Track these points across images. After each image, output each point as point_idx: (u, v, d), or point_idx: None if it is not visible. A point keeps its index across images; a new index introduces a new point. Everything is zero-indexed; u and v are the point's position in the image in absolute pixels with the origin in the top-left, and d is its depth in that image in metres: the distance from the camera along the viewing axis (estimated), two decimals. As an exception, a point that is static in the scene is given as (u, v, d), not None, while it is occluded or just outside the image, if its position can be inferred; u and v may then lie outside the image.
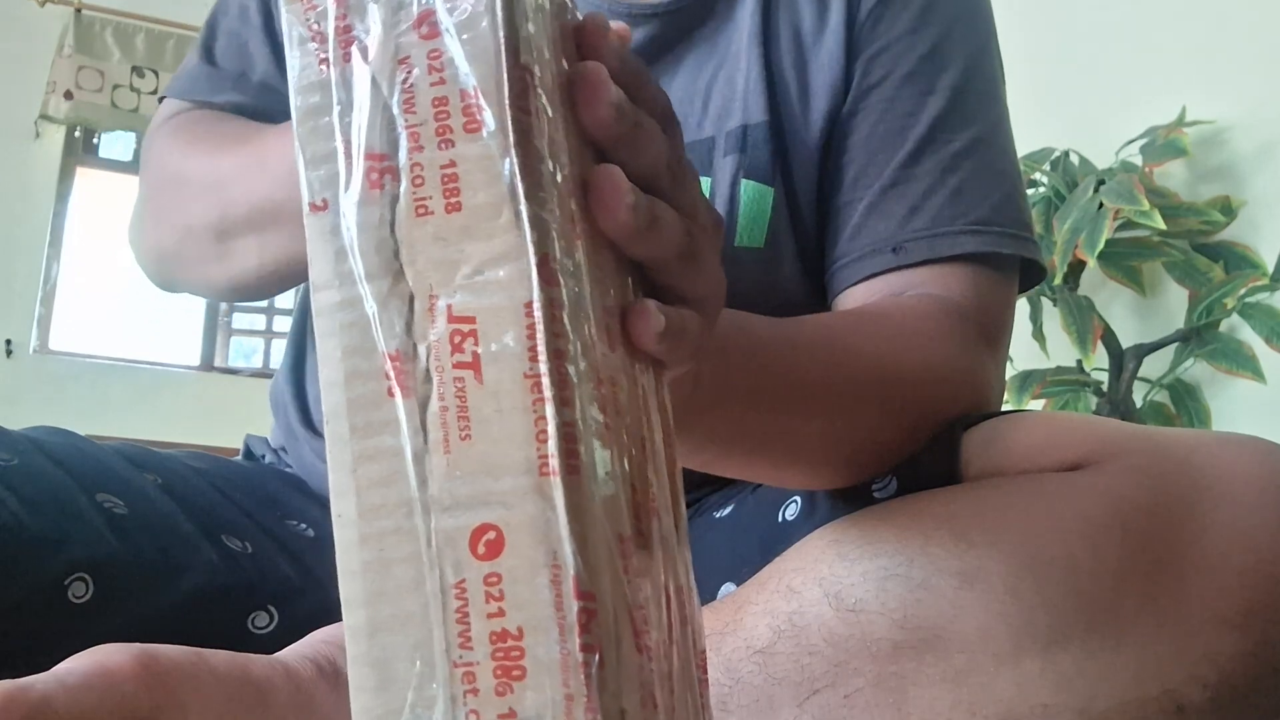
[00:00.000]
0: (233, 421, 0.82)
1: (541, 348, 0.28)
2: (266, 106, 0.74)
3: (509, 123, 0.29)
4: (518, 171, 0.29)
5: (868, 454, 0.57)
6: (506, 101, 0.29)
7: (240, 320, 4.42)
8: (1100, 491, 0.49)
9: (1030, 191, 2.24)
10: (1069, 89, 2.42)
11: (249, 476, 0.77)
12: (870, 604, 0.50)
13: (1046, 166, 2.24)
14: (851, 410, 0.55)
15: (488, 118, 0.29)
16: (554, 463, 0.28)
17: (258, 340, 4.45)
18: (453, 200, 0.29)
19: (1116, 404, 2.07)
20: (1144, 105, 2.23)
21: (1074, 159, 2.25)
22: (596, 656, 0.27)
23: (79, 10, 4.05)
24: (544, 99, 0.31)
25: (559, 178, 0.31)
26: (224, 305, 4.30)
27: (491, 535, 0.28)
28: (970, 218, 0.65)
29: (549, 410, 0.28)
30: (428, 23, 0.30)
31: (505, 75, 0.29)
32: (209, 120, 0.73)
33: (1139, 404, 2.11)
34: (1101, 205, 2.01)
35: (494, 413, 0.28)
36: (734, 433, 0.52)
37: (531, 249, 0.29)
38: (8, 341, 3.90)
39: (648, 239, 0.34)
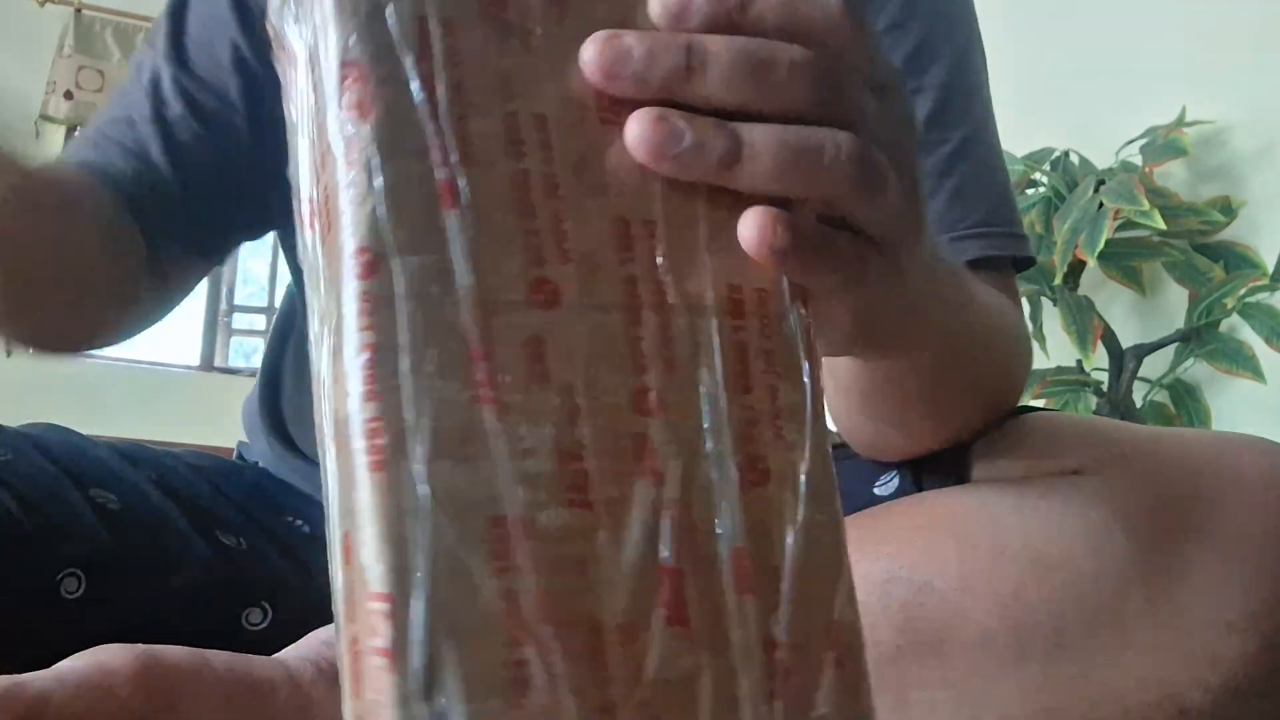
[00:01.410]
0: (233, 421, 0.82)
1: (352, 343, 0.28)
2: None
3: (341, 127, 0.29)
4: (321, 170, 0.29)
5: (973, 413, 0.55)
6: (338, 104, 0.29)
7: (240, 320, 4.41)
8: (1102, 495, 0.49)
9: (1030, 191, 2.24)
10: (1069, 89, 2.42)
11: (244, 474, 0.77)
12: (872, 606, 0.50)
13: (1046, 166, 2.24)
14: (978, 362, 0.54)
15: (333, 133, 0.29)
16: (359, 460, 0.27)
17: (258, 340, 4.44)
18: (327, 223, 0.29)
19: (1116, 404, 2.07)
20: (1144, 105, 2.23)
21: (1074, 159, 2.25)
22: (388, 661, 0.26)
23: (79, 10, 4.05)
24: (443, 61, 0.30)
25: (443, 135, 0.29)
26: (224, 305, 4.30)
27: (349, 543, 0.27)
28: (970, 221, 0.65)
29: (352, 404, 0.27)
30: (315, 60, 0.30)
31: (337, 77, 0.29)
32: None
33: (1139, 404, 2.11)
34: (1101, 205, 2.00)
35: (343, 419, 0.28)
36: (886, 378, 0.49)
37: (348, 245, 0.28)
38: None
39: (726, 172, 0.30)
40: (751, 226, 0.30)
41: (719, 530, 0.29)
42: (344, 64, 0.29)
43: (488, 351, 0.29)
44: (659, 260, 0.30)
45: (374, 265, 0.28)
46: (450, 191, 0.29)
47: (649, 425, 0.29)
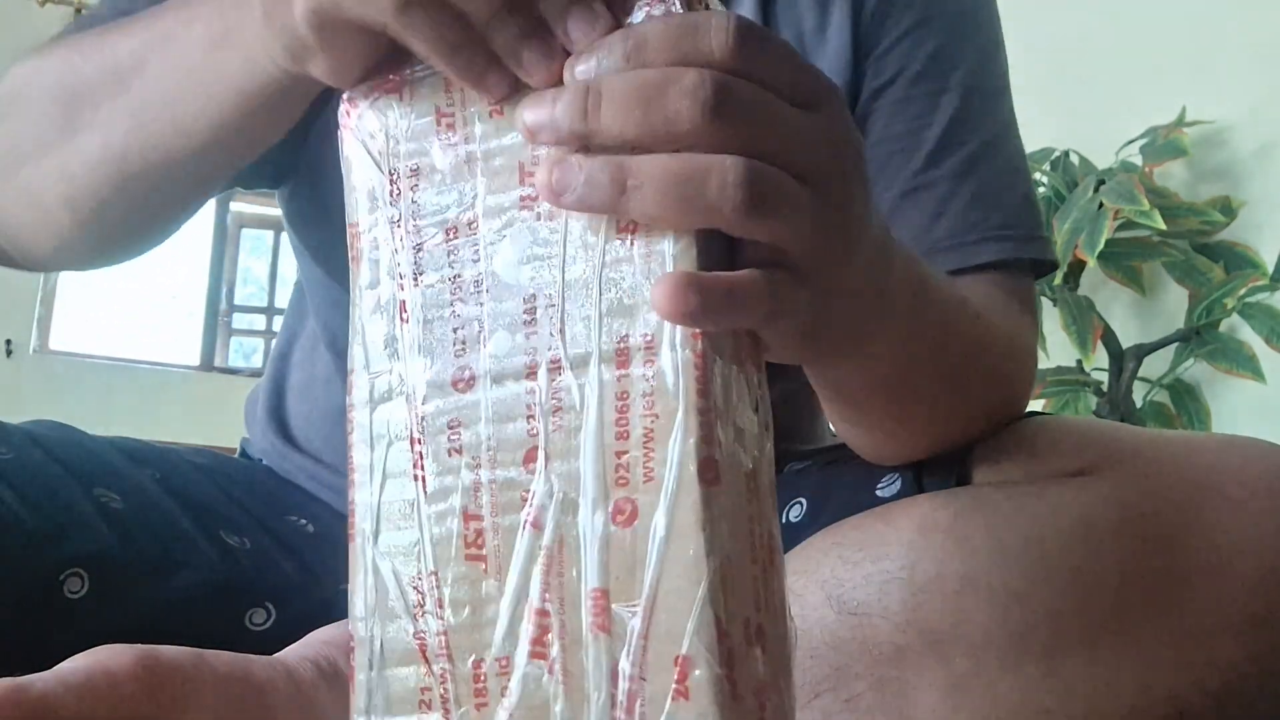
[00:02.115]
0: (233, 421, 0.82)
1: (349, 440, 0.39)
2: None
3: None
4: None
5: (963, 417, 0.56)
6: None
7: (240, 320, 4.41)
8: (1104, 498, 0.49)
9: (1030, 191, 2.23)
10: (1069, 89, 2.42)
11: (248, 472, 0.77)
12: (872, 607, 0.50)
13: (1046, 166, 2.24)
14: (958, 367, 0.54)
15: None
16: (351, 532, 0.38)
17: (258, 340, 4.45)
18: None
19: (1116, 404, 2.06)
20: (1144, 105, 2.22)
21: (1074, 159, 2.24)
22: (351, 685, 0.36)
23: (79, 10, 4.05)
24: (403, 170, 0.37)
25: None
26: (224, 305, 4.29)
27: None
28: (991, 223, 0.64)
29: (350, 486, 0.38)
30: None
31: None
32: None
33: (1139, 404, 2.11)
34: (1101, 205, 2.00)
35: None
36: (873, 380, 0.49)
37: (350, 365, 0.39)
38: (8, 341, 3.89)
39: (605, 205, 0.33)
40: (664, 295, 0.32)
41: (584, 572, 0.33)
42: (350, 223, 0.38)
43: (420, 439, 0.36)
44: (556, 326, 0.35)
45: (354, 381, 0.38)
46: (404, 308, 0.37)
47: (534, 480, 0.35)
